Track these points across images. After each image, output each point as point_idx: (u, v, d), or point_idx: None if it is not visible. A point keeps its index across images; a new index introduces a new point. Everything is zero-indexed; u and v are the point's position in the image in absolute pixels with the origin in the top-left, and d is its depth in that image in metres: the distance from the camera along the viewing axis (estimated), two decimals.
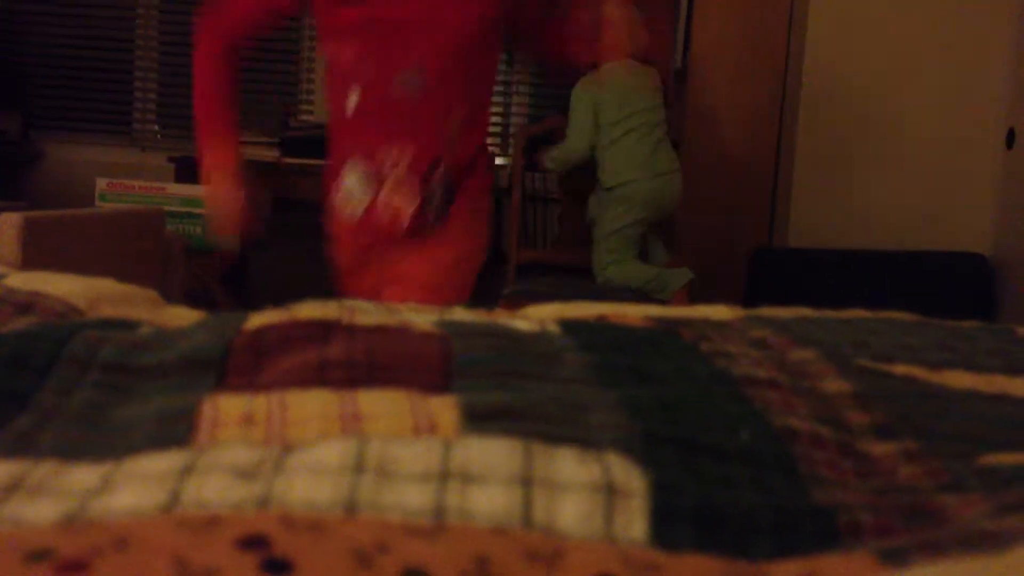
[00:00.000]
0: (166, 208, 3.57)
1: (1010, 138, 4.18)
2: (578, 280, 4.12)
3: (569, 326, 0.91)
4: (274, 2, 1.80)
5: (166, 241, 3.36)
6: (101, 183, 3.83)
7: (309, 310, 0.85)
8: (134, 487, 0.54)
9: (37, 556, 0.43)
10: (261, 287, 4.16)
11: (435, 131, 1.81)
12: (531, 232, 4.51)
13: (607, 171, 3.80)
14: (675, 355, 0.84)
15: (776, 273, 4.20)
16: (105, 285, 1.02)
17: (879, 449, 0.69)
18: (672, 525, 0.55)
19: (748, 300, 4.07)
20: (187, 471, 0.55)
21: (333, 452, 0.56)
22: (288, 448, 0.58)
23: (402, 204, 1.83)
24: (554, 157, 3.98)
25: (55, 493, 0.54)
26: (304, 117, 4.35)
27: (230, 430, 0.62)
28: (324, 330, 0.80)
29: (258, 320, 0.83)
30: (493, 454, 0.57)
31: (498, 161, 4.71)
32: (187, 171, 4.13)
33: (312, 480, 0.54)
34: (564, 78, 2.13)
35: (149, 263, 3.18)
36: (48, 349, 0.75)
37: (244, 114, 1.90)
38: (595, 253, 3.88)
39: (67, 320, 0.88)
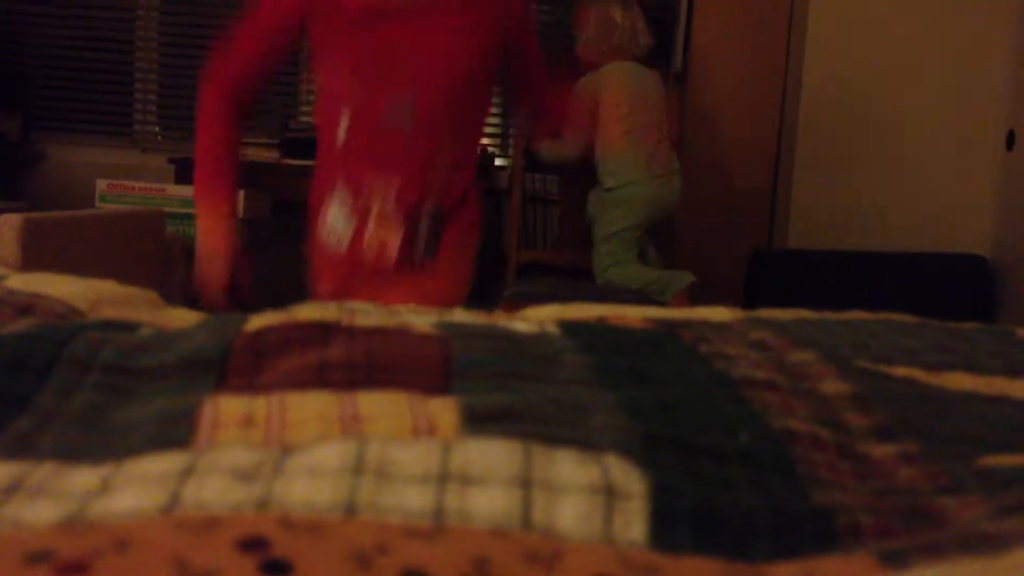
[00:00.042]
0: (166, 209, 3.57)
1: (1010, 139, 4.19)
2: (578, 281, 4.12)
3: (569, 328, 0.91)
4: (273, 36, 1.77)
5: (166, 242, 3.36)
6: (101, 184, 3.83)
7: (309, 312, 0.85)
8: (134, 488, 0.54)
9: (37, 558, 0.43)
10: (261, 288, 4.16)
11: (424, 166, 1.78)
12: (531, 233, 4.51)
13: (607, 172, 3.80)
14: (675, 357, 0.85)
15: (776, 274, 4.20)
16: (105, 287, 1.02)
17: (878, 451, 0.69)
18: (671, 527, 0.55)
19: (748, 301, 4.07)
20: (187, 473, 0.55)
21: (333, 454, 0.56)
22: (288, 450, 0.58)
23: (388, 239, 1.80)
24: (548, 147, 3.98)
25: (55, 495, 0.54)
26: (304, 119, 4.35)
27: (230, 432, 0.62)
28: (324, 332, 0.80)
29: (258, 322, 0.83)
30: (493, 456, 0.57)
31: (498, 162, 4.70)
32: (187, 172, 4.12)
33: (312, 482, 0.54)
34: (538, 138, 2.08)
35: (149, 264, 3.18)
36: (48, 351, 0.75)
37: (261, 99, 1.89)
38: (595, 255, 3.88)
39: (67, 322, 0.88)
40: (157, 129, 4.92)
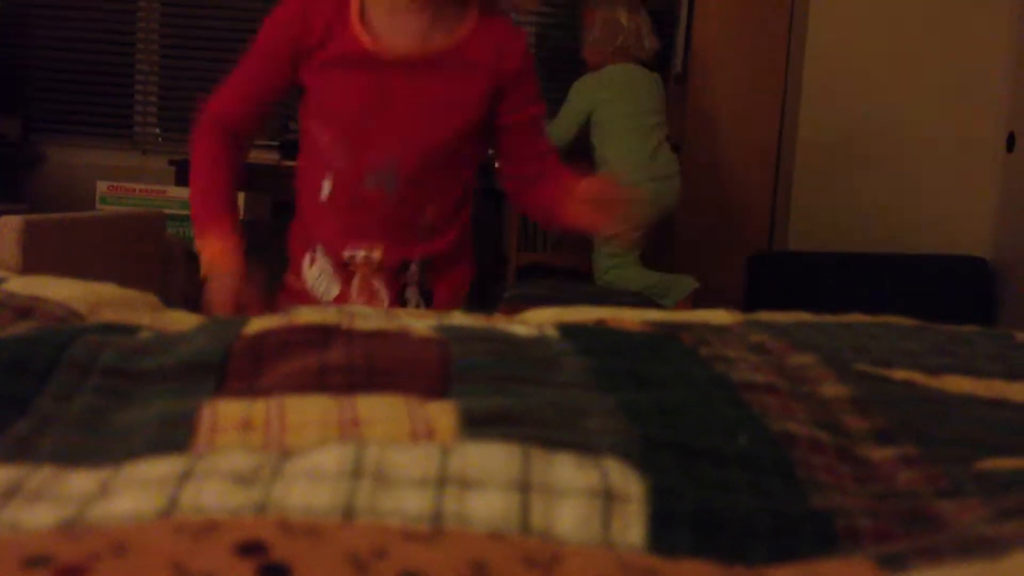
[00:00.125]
0: (167, 211, 3.57)
1: (1010, 141, 4.19)
2: (578, 283, 4.12)
3: (568, 330, 0.91)
4: (267, 73, 1.72)
5: (166, 244, 3.36)
6: (102, 186, 3.83)
7: (308, 315, 0.85)
8: (133, 492, 0.54)
9: (35, 562, 0.43)
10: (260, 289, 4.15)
11: (408, 228, 1.73)
12: (531, 234, 4.51)
13: (606, 172, 3.81)
14: (674, 359, 0.85)
15: (776, 276, 4.20)
16: (105, 289, 1.02)
17: (878, 454, 0.69)
18: (670, 530, 0.55)
19: (748, 303, 4.07)
20: (186, 476, 0.55)
21: (331, 457, 0.56)
22: (286, 453, 0.58)
23: (374, 299, 1.76)
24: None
25: (54, 498, 0.54)
26: None
27: (229, 435, 0.62)
28: (323, 335, 0.80)
29: (258, 325, 0.83)
30: (491, 459, 0.57)
31: (498, 164, 4.70)
32: (187, 174, 4.12)
33: (310, 486, 0.54)
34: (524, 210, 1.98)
35: (149, 266, 3.18)
36: (48, 354, 0.75)
37: (258, 134, 1.85)
38: (595, 256, 3.89)
39: (67, 324, 0.88)
40: (157, 131, 4.93)
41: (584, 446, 0.61)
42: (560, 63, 4.50)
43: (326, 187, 1.73)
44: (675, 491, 0.58)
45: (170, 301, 1.11)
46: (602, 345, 0.86)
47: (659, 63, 4.06)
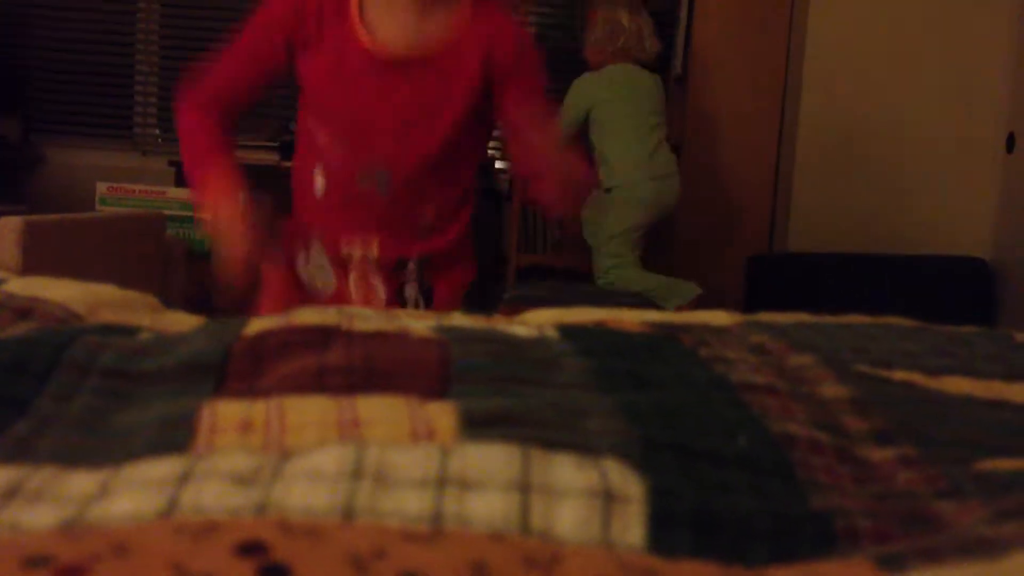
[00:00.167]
0: (166, 212, 3.57)
1: (1010, 142, 4.19)
2: (578, 284, 4.12)
3: (568, 331, 0.92)
4: (257, 60, 1.68)
5: (166, 245, 3.36)
6: (102, 187, 3.83)
7: (308, 316, 0.85)
8: (133, 493, 0.54)
9: (36, 562, 0.43)
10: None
11: (404, 225, 1.71)
12: (531, 236, 4.51)
13: (606, 171, 3.82)
14: (674, 361, 0.85)
15: (776, 277, 4.20)
16: (105, 290, 1.02)
17: (877, 455, 0.69)
18: (670, 531, 0.55)
19: (748, 304, 4.07)
20: (186, 477, 0.55)
21: (331, 458, 0.57)
22: (286, 454, 0.58)
23: (371, 299, 1.73)
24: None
25: (54, 499, 0.54)
26: None
27: (228, 436, 0.62)
28: (323, 336, 0.80)
29: (257, 325, 0.83)
30: (491, 460, 0.57)
31: (498, 165, 4.70)
32: (188, 175, 4.12)
33: (310, 486, 0.54)
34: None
35: (149, 267, 3.18)
36: (47, 355, 0.75)
37: (244, 117, 1.81)
38: (596, 258, 3.88)
39: (67, 325, 0.88)
40: (157, 132, 4.93)
41: (584, 447, 0.61)
42: (560, 63, 4.51)
43: (320, 183, 1.72)
44: (675, 492, 0.58)
45: (170, 302, 1.11)
46: (602, 346, 0.86)
47: (659, 64, 4.06)
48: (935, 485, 0.64)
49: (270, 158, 3.98)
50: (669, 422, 0.68)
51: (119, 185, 3.84)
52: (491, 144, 4.77)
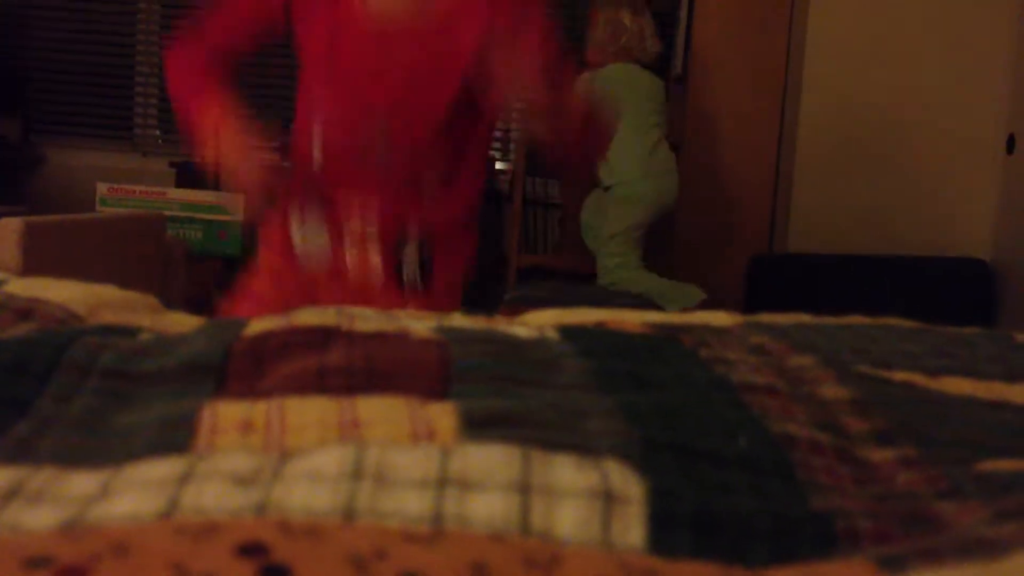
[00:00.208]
0: (167, 213, 3.57)
1: (1010, 143, 4.19)
2: (579, 285, 4.12)
3: (568, 332, 0.92)
4: (253, 15, 1.65)
5: (167, 246, 3.36)
6: (102, 188, 3.83)
7: (308, 316, 0.85)
8: (133, 494, 0.54)
9: (37, 562, 0.43)
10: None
11: (404, 190, 1.64)
12: (532, 236, 4.52)
13: (605, 169, 3.83)
14: (674, 361, 0.85)
15: (776, 278, 4.20)
16: (105, 291, 1.02)
17: (878, 455, 0.69)
18: (670, 532, 0.55)
19: (748, 305, 4.07)
20: (186, 478, 0.55)
21: (331, 459, 0.57)
22: (287, 455, 0.58)
23: (370, 263, 1.67)
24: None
25: (54, 500, 0.54)
26: None
27: (229, 437, 0.62)
28: (323, 337, 0.80)
29: (258, 326, 0.83)
30: (491, 461, 0.57)
31: (499, 165, 4.71)
32: (188, 176, 4.13)
33: (310, 487, 0.54)
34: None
35: (150, 268, 3.18)
36: (48, 355, 0.75)
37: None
38: (599, 258, 3.89)
39: (67, 326, 0.88)
40: (158, 133, 4.93)
41: (584, 447, 0.61)
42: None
43: (319, 146, 1.67)
44: (675, 492, 0.58)
45: (170, 303, 1.11)
46: (602, 347, 0.86)
47: (659, 64, 4.07)
48: (936, 486, 0.64)
49: (270, 158, 3.98)
50: (669, 423, 0.68)
51: (119, 186, 3.84)
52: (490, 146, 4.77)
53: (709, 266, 4.29)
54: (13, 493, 0.54)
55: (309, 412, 0.65)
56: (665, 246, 4.16)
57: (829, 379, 0.83)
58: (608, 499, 0.56)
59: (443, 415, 0.65)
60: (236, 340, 0.79)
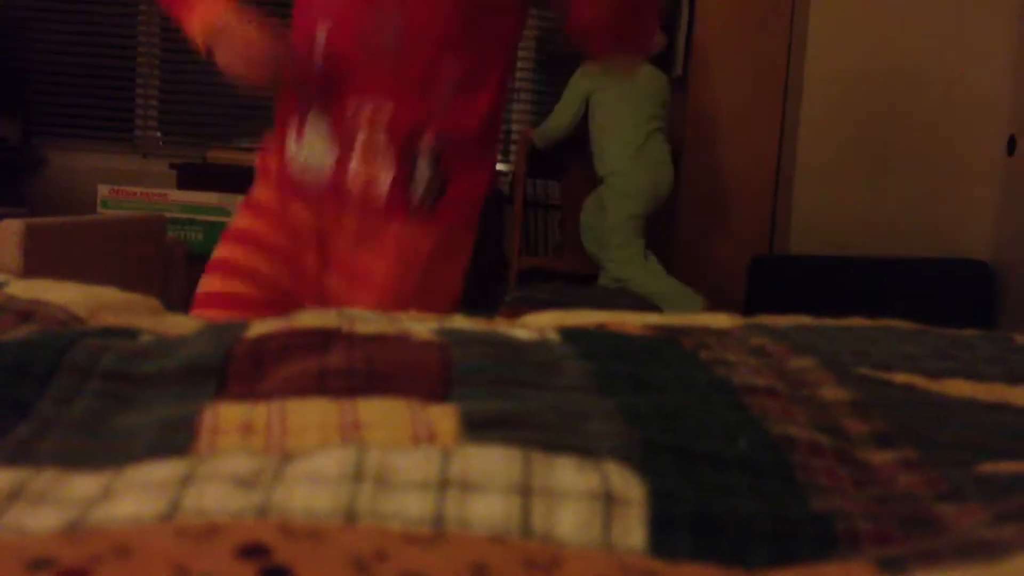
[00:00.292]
0: (167, 215, 3.58)
1: (1011, 145, 4.19)
2: (579, 287, 4.13)
3: (569, 334, 0.92)
4: None
5: (167, 247, 3.37)
6: (103, 190, 3.84)
7: (309, 318, 0.85)
8: (134, 496, 0.54)
9: (38, 564, 0.44)
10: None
11: (419, 90, 1.47)
12: (532, 238, 4.52)
13: (600, 158, 3.87)
14: (674, 363, 0.85)
15: (776, 280, 4.21)
16: (106, 293, 1.02)
17: (878, 457, 0.69)
18: (670, 533, 0.55)
19: (749, 307, 4.07)
20: (187, 480, 0.55)
21: (332, 461, 0.57)
22: (288, 457, 0.58)
23: (377, 176, 1.49)
24: (538, 132, 4.07)
25: (56, 501, 0.54)
26: None
27: (230, 438, 0.62)
28: (324, 339, 0.80)
29: (258, 328, 0.83)
30: (492, 463, 0.57)
31: (500, 167, 4.71)
32: (189, 178, 4.14)
33: (311, 489, 0.54)
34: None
35: (150, 269, 3.19)
36: (49, 357, 0.75)
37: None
38: (606, 252, 3.91)
39: (68, 328, 0.88)
40: (158, 134, 4.93)
41: (585, 449, 0.61)
42: (560, 66, 4.51)
43: (321, 40, 1.49)
44: (675, 494, 0.58)
45: (170, 304, 1.11)
46: (603, 349, 0.86)
47: (660, 64, 4.08)
48: (936, 488, 0.64)
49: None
50: (670, 424, 0.68)
51: (120, 188, 3.84)
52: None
53: (710, 267, 4.29)
54: (15, 495, 0.54)
55: (310, 414, 0.65)
56: (665, 246, 4.17)
57: (829, 381, 0.83)
58: (609, 501, 0.56)
59: (444, 417, 0.65)
60: (237, 342, 0.79)
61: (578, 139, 4.11)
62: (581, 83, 3.95)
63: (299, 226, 1.57)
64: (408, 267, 1.52)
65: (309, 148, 1.53)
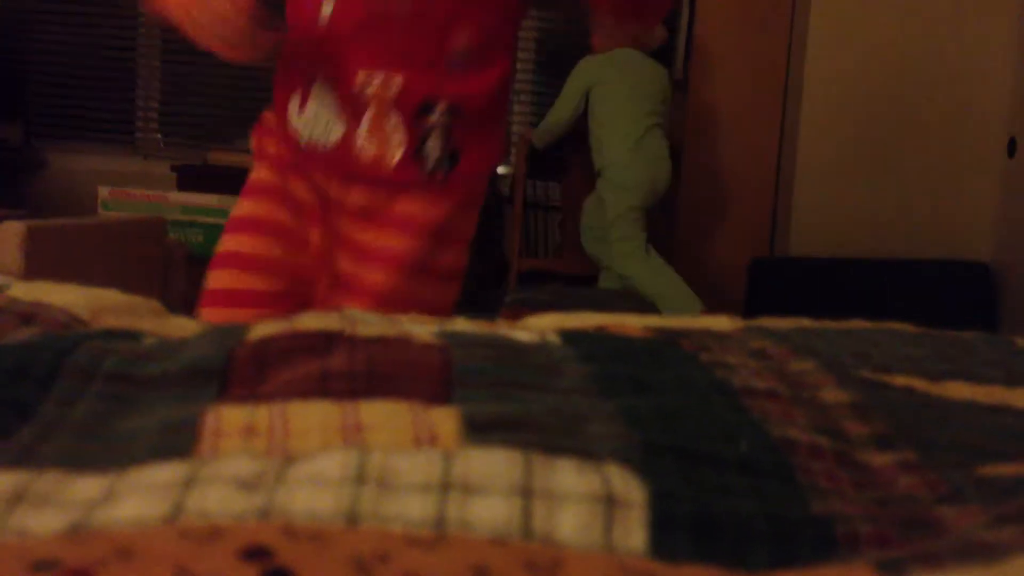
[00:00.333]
0: (168, 216, 3.58)
1: (1011, 146, 4.19)
2: (579, 289, 4.13)
3: (569, 336, 0.92)
4: None
5: (167, 249, 3.37)
6: (103, 191, 3.84)
7: (310, 321, 0.86)
8: (137, 498, 0.54)
9: (43, 566, 0.44)
10: None
11: (432, 61, 1.41)
12: (532, 240, 4.52)
13: (599, 151, 3.89)
14: (675, 365, 0.85)
15: (777, 281, 4.21)
16: (108, 295, 1.03)
17: (878, 460, 0.69)
18: (671, 535, 0.55)
19: (749, 309, 4.08)
20: (190, 482, 0.55)
21: (334, 463, 0.57)
22: (290, 459, 0.58)
23: (385, 147, 1.43)
24: (537, 132, 4.09)
25: (59, 503, 0.54)
26: None
27: (232, 441, 0.62)
28: (326, 341, 0.80)
29: (260, 331, 0.84)
30: (493, 465, 0.58)
31: (499, 169, 4.72)
32: (189, 179, 4.14)
33: (314, 491, 0.54)
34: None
35: (150, 271, 3.19)
36: (51, 360, 0.75)
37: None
38: (608, 249, 3.92)
39: (70, 331, 0.88)
40: (159, 136, 4.93)
41: (585, 452, 0.61)
42: (560, 67, 4.52)
43: (327, 7, 1.41)
44: (675, 495, 0.58)
45: (171, 306, 1.11)
46: (603, 351, 0.87)
47: (661, 60, 4.09)
48: (936, 490, 0.64)
49: None
50: (670, 426, 0.68)
51: (121, 189, 3.85)
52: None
53: (710, 268, 4.30)
54: (18, 497, 0.54)
55: (312, 416, 0.65)
56: (666, 248, 4.17)
57: (830, 383, 0.83)
58: (610, 503, 0.56)
59: (445, 419, 0.65)
60: (239, 345, 0.80)
61: (578, 140, 4.11)
62: (582, 76, 3.97)
63: (302, 203, 1.52)
64: (417, 243, 1.46)
65: (314, 122, 1.46)
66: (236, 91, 4.51)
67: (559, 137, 4.09)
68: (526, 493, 0.56)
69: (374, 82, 1.40)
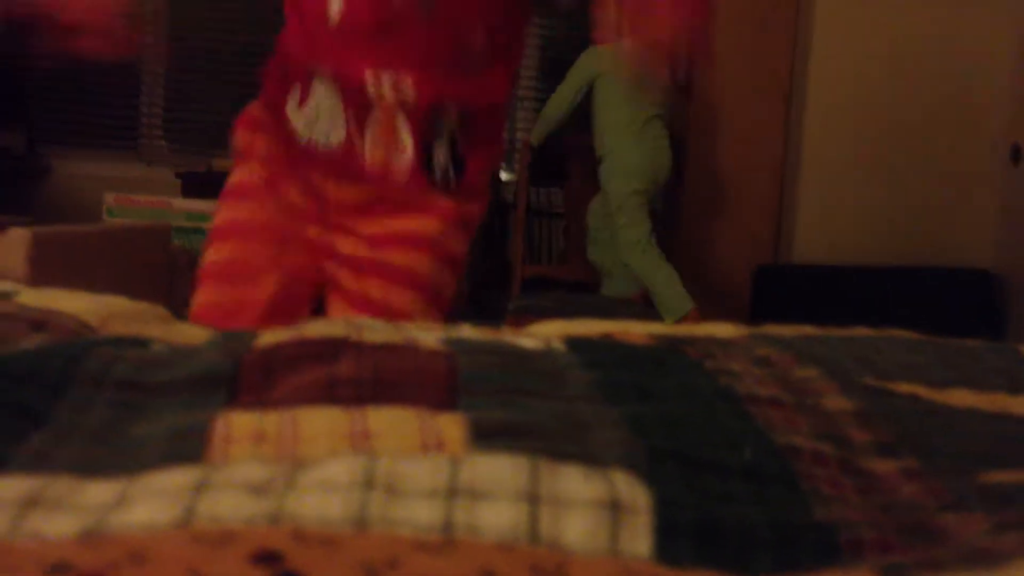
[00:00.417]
0: (172, 223, 3.59)
1: (1015, 153, 4.19)
2: (583, 296, 4.13)
3: (574, 344, 0.92)
4: None
5: (172, 255, 3.38)
6: (108, 198, 3.85)
7: (318, 328, 0.86)
8: (149, 502, 0.55)
9: (57, 569, 0.44)
10: None
11: (447, 63, 1.35)
12: (536, 246, 4.52)
13: (600, 138, 3.91)
14: (679, 372, 0.85)
15: (781, 289, 4.21)
16: (117, 302, 1.03)
17: (881, 467, 0.70)
18: (676, 541, 0.55)
19: (753, 316, 4.08)
20: (201, 487, 0.56)
21: (343, 469, 0.57)
22: (299, 465, 0.59)
23: (392, 153, 1.37)
24: (535, 130, 4.11)
25: (72, 508, 0.55)
26: None
27: (242, 447, 0.63)
28: (333, 348, 0.81)
29: (268, 338, 0.84)
30: (500, 471, 0.58)
31: (503, 176, 4.72)
32: (194, 186, 4.15)
33: (323, 496, 0.55)
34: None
35: (155, 277, 3.20)
36: (62, 367, 0.76)
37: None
38: (616, 234, 3.92)
39: (80, 337, 0.89)
40: (163, 143, 4.94)
41: (591, 458, 0.62)
42: (564, 74, 4.52)
43: (336, 5, 1.33)
44: (680, 502, 0.58)
45: (175, 312, 1.12)
46: (608, 358, 0.87)
47: None
48: (939, 497, 0.65)
49: None
50: (674, 433, 0.69)
51: (126, 196, 3.86)
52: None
53: (715, 277, 4.30)
54: (33, 502, 0.55)
55: (320, 422, 0.66)
56: (670, 255, 4.17)
57: (833, 391, 0.83)
58: (615, 509, 0.56)
59: (452, 426, 0.66)
60: (247, 351, 0.80)
61: (580, 147, 4.11)
62: (584, 69, 3.99)
63: (293, 206, 1.47)
64: (424, 249, 1.42)
65: (315, 120, 1.40)
66: (240, 98, 4.49)
67: (554, 130, 4.10)
68: (533, 499, 0.56)
69: (382, 82, 1.33)
